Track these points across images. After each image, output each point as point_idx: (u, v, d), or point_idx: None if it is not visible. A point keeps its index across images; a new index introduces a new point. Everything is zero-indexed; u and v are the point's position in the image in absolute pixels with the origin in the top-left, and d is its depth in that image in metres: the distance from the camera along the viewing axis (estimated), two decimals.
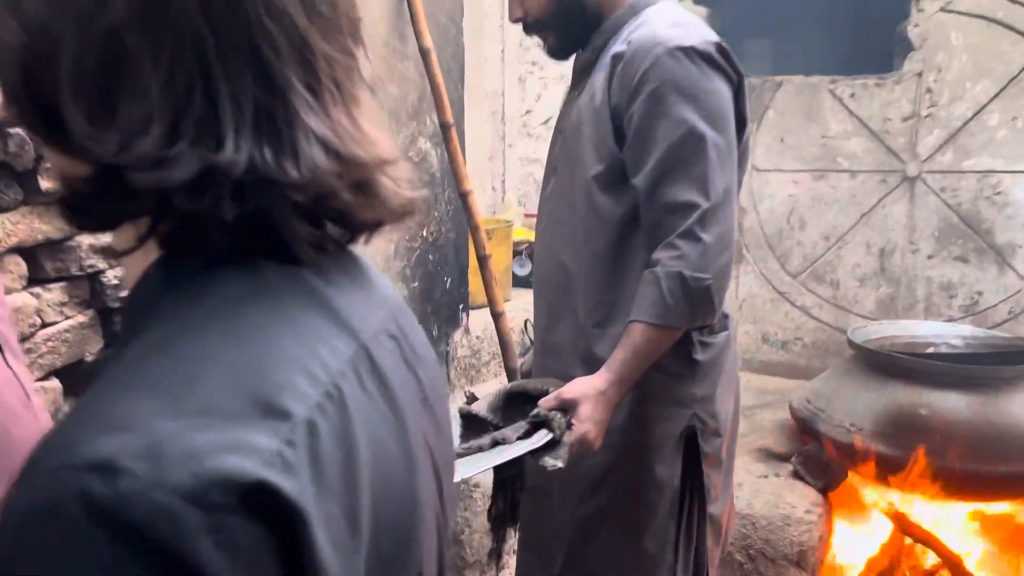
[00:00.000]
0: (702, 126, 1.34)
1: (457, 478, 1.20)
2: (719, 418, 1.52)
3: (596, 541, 1.53)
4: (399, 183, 0.56)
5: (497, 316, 2.52)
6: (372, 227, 0.56)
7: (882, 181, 3.52)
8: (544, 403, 1.36)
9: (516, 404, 1.41)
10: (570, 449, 1.29)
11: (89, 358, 1.60)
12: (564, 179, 1.54)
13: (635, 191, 1.41)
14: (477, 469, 1.21)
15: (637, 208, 1.42)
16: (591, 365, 1.47)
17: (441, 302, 2.85)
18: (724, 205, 1.37)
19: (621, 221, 1.45)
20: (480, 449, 1.31)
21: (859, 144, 3.53)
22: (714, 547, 1.57)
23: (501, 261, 3.50)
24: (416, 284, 2.69)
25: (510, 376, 2.33)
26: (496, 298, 2.51)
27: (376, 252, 2.46)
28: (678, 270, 1.34)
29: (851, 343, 2.71)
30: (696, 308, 1.36)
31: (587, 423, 1.34)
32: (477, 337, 3.08)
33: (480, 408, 1.41)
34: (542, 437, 1.28)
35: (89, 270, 1.66)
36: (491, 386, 3.05)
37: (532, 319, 1.71)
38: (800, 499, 2.43)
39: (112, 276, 1.72)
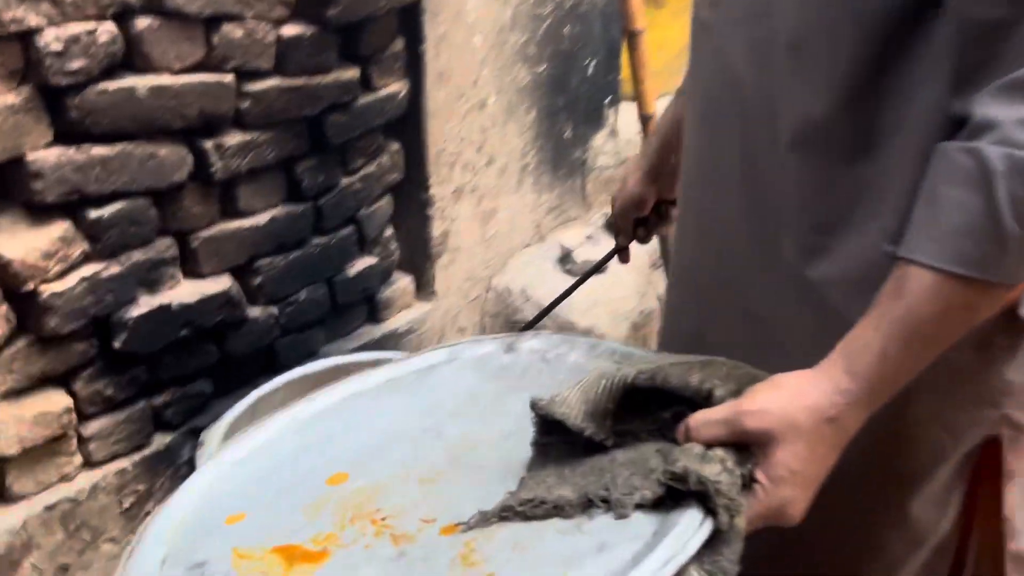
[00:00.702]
0: None
1: None
2: None
3: None
4: None
5: (646, 119, 1.94)
6: None
7: None
8: (700, 427, 0.72)
9: (641, 403, 0.77)
10: (748, 526, 0.68)
11: (30, 155, 1.31)
12: None
13: None
14: None
15: None
16: (804, 298, 0.87)
17: (579, 93, 2.44)
18: None
19: (890, 20, 0.78)
20: (559, 510, 0.70)
21: None
22: None
23: (674, 40, 2.81)
24: (543, 68, 2.28)
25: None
26: (646, 94, 1.94)
27: (483, 20, 2.01)
28: None
29: None
30: None
31: (788, 484, 0.71)
32: (628, 141, 2.62)
33: (571, 411, 0.75)
34: (693, 529, 0.65)
35: (14, 28, 1.28)
36: None
37: None
38: None
39: (53, 38, 1.22)
